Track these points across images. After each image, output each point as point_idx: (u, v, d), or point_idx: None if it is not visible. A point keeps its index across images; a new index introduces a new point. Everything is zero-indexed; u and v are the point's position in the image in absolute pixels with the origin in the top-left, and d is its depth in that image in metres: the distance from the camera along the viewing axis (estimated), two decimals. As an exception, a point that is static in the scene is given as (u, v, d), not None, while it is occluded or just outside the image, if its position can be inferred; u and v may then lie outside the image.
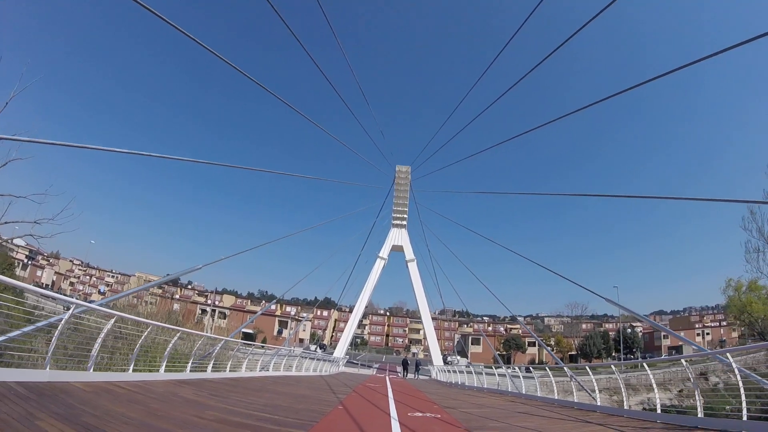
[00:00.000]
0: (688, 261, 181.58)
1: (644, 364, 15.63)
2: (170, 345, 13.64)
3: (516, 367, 27.88)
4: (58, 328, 8.68)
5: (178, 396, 10.26)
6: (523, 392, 22.94)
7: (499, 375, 28.08)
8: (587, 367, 18.16)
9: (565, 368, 20.95)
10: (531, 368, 27.83)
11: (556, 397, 19.60)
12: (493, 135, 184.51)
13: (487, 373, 30.62)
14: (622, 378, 17.66)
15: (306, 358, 32.03)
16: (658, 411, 12.66)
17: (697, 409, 10.49)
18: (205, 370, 16.41)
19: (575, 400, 17.26)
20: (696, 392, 11.37)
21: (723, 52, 9.25)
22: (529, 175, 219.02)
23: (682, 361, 14.67)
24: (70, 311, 8.90)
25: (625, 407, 15.06)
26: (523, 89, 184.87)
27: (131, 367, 11.63)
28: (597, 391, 16.50)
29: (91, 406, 7.20)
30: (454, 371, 38.75)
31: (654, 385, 14.94)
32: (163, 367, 13.37)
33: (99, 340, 10.14)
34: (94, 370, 10.05)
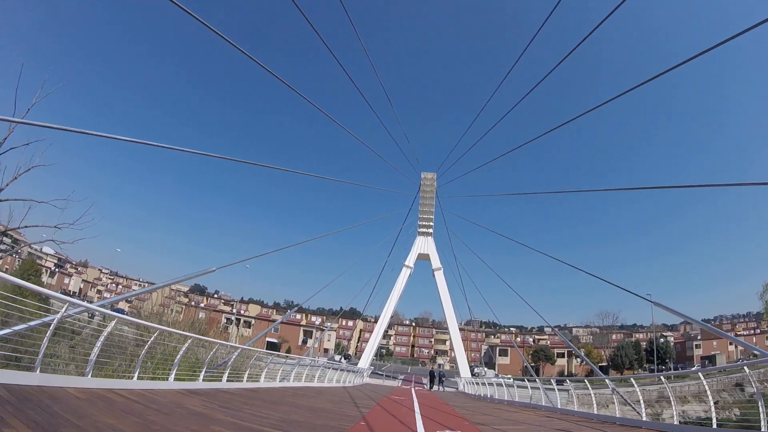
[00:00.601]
0: (717, 269, 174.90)
1: (700, 374, 14.18)
2: (181, 351, 12.83)
3: (552, 380, 26.37)
4: (50, 328, 7.91)
5: (183, 408, 9.38)
6: (558, 406, 21.48)
7: (531, 388, 26.64)
8: (632, 379, 16.68)
9: (606, 380, 19.44)
10: (567, 380, 26.19)
11: (595, 412, 18.13)
12: (518, 136, 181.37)
13: (517, 386, 29.20)
14: (669, 388, 16.09)
15: (329, 368, 30.89)
16: (714, 425, 11.35)
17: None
18: (220, 380, 15.58)
19: (617, 415, 15.86)
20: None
21: None
22: (551, 182, 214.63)
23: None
24: (63, 311, 8.12)
25: (675, 421, 13.66)
26: (552, 85, 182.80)
27: (136, 374, 10.84)
28: (643, 405, 15.04)
29: (78, 416, 6.37)
30: (482, 383, 37.23)
31: (711, 401, 13.43)
32: (173, 376, 12.57)
33: (98, 344, 9.36)
34: (93, 375, 9.28)
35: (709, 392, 13.85)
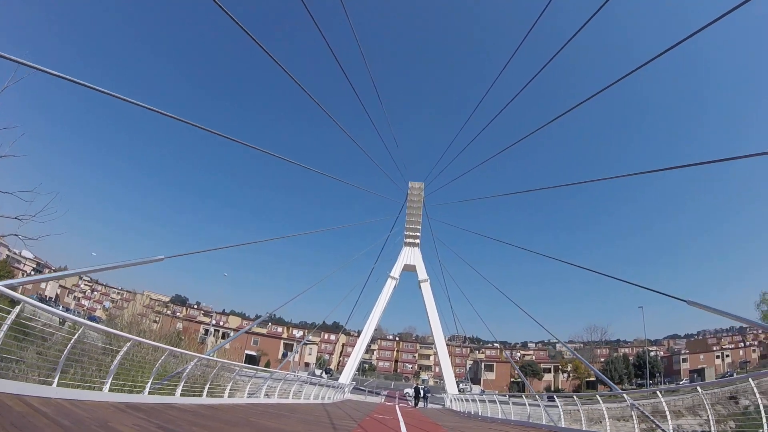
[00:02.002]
0: (698, 284, 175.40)
1: (698, 389, 12.22)
2: (119, 356, 10.46)
3: (555, 397, 24.29)
4: None
5: (106, 427, 7.03)
6: (562, 425, 19.28)
7: (530, 405, 24.60)
8: (658, 392, 14.62)
9: (624, 395, 17.31)
10: (574, 396, 23.88)
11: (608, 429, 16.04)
12: (504, 140, 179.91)
13: (506, 403, 27.19)
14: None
15: (306, 383, 28.22)
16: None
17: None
18: (173, 393, 13.16)
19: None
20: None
21: None
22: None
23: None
24: None
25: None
26: (539, 86, 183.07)
27: (56, 380, 8.47)
28: (669, 419, 12.92)
29: None
30: (471, 400, 34.94)
31: (711, 414, 11.33)
32: (108, 386, 10.16)
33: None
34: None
35: (708, 406, 11.96)
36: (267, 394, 21.96)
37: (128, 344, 10.79)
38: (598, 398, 18.24)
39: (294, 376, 29.33)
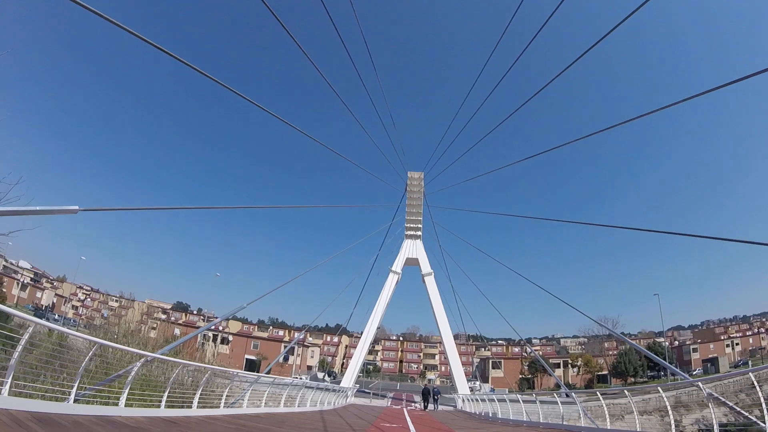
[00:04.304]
0: (700, 276, 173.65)
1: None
2: (19, 347, 7.33)
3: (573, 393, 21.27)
4: None
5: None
6: (607, 425, 16.13)
7: (548, 403, 21.56)
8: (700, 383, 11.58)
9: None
10: (598, 392, 20.77)
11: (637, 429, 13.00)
12: (513, 149, 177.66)
13: (525, 401, 24.07)
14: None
15: (302, 387, 24.77)
16: None
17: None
18: (116, 403, 10.02)
19: None
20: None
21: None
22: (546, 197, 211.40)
23: None
24: None
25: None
26: (551, 104, 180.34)
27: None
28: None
29: None
30: (484, 400, 31.74)
31: None
32: (6, 389, 7.03)
33: None
34: None
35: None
36: (254, 403, 18.69)
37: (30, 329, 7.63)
38: (626, 392, 15.68)
39: (291, 380, 25.92)
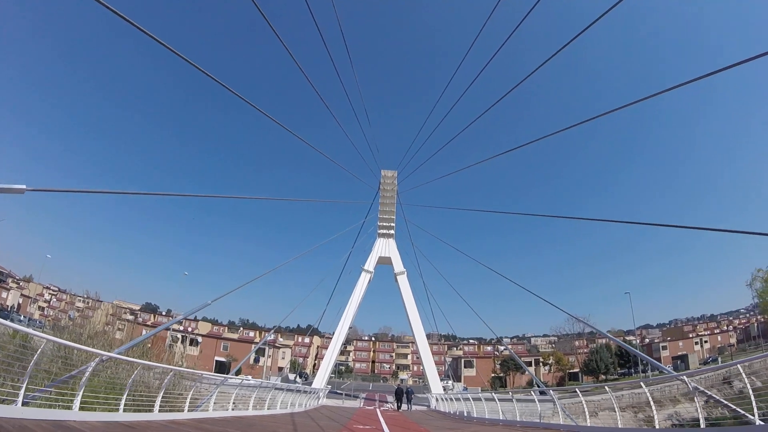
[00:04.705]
0: (668, 277, 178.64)
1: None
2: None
3: (551, 391, 20.96)
4: None
5: None
6: (564, 422, 15.86)
7: (524, 401, 21.25)
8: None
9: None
10: (577, 389, 20.56)
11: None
12: (487, 147, 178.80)
13: (500, 399, 23.79)
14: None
15: (272, 389, 23.87)
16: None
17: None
18: (14, 402, 8.99)
19: None
20: None
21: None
22: (517, 190, 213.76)
23: None
24: None
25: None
26: (524, 99, 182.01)
27: None
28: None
29: None
30: (461, 398, 31.38)
31: None
32: None
33: None
34: None
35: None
36: (222, 406, 17.81)
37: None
38: (607, 389, 15.53)
39: (260, 381, 24.93)
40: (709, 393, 12.12)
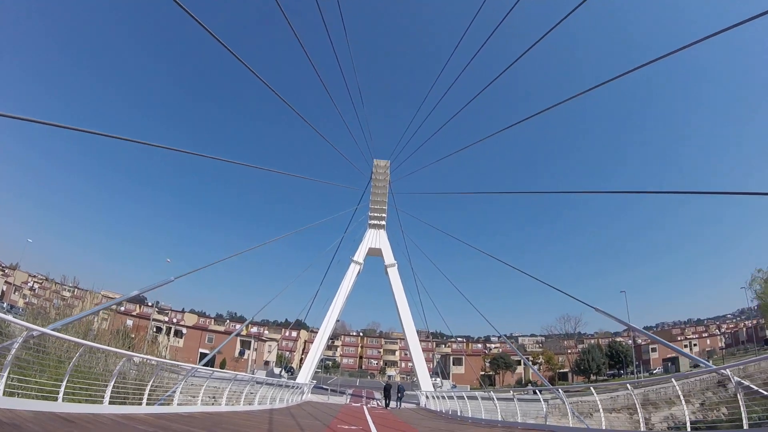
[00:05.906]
0: (657, 281, 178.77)
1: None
2: None
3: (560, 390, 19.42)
4: None
5: None
6: (574, 425, 14.25)
7: (524, 400, 19.60)
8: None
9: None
10: (592, 388, 18.94)
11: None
12: (477, 128, 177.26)
13: (499, 398, 22.15)
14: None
15: (250, 382, 21.95)
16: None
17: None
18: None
19: None
20: None
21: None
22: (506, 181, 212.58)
23: None
24: None
25: None
26: (515, 81, 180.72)
27: None
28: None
29: None
30: (452, 396, 29.76)
31: None
32: None
33: None
34: None
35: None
36: (189, 400, 15.96)
37: None
38: (592, 390, 14.08)
39: (234, 374, 22.88)
40: (755, 387, 10.69)
